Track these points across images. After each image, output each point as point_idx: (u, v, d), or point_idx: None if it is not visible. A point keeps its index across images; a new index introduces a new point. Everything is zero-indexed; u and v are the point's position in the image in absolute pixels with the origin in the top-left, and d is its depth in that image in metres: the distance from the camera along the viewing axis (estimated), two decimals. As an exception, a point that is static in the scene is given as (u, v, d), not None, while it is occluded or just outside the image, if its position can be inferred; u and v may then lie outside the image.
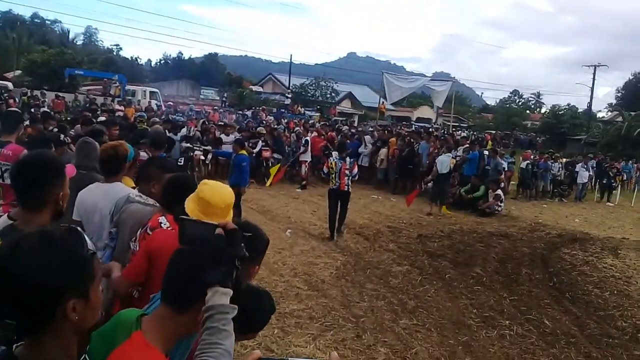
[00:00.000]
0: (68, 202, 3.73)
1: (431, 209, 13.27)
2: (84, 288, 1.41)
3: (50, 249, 1.37)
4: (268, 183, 14.34)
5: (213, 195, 2.60)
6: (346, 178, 9.89)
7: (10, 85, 28.31)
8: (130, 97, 30.22)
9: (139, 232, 3.19)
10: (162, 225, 3.06)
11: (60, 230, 1.47)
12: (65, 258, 1.37)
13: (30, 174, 2.34)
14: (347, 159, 10.21)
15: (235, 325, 1.91)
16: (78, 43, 61.87)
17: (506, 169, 16.11)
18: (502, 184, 14.72)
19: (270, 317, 2.38)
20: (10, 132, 4.92)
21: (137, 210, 3.48)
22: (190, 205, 2.65)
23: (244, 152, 10.40)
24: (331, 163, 10.06)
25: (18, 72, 37.32)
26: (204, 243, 1.63)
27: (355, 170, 10.36)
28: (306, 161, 16.26)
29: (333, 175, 9.98)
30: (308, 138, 16.95)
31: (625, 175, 22.70)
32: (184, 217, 1.71)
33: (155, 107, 28.30)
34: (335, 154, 10.36)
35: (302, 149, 16.53)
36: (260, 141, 16.10)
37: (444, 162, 13.35)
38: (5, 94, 24.84)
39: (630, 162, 25.20)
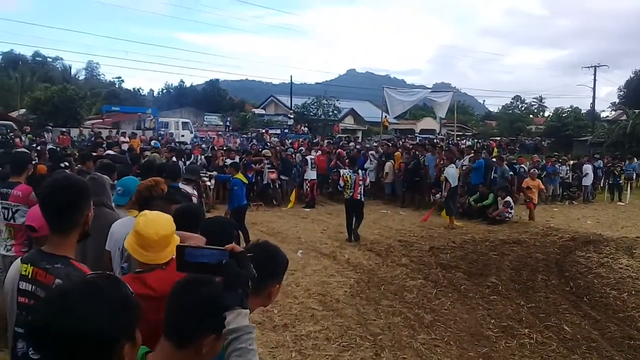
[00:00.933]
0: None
1: (451, 222, 13.15)
2: (134, 331, 1.45)
3: (102, 297, 1.38)
4: (290, 206, 15.41)
5: (146, 227, 2.59)
6: (360, 188, 11.12)
7: (14, 125, 28.64)
8: (164, 129, 32.42)
9: None
10: None
11: (102, 278, 1.49)
12: (117, 305, 1.40)
13: (62, 197, 2.36)
14: (360, 171, 11.69)
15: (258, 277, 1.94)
16: (80, 78, 62.46)
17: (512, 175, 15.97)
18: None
19: (287, 263, 2.32)
20: (19, 174, 4.97)
21: None
22: (128, 239, 2.65)
23: (239, 176, 10.55)
24: (346, 177, 11.27)
25: (22, 110, 37.72)
26: (210, 269, 1.63)
27: (368, 180, 12.20)
28: (307, 180, 16.41)
29: (348, 187, 11.17)
30: (308, 158, 17.02)
31: (634, 174, 22.48)
32: (183, 244, 1.68)
33: (191, 136, 31.38)
34: (345, 170, 11.88)
35: (305, 168, 16.69)
36: (265, 162, 16.20)
37: (454, 174, 13.29)
38: (11, 133, 25.11)
39: (636, 160, 24.97)
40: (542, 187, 15.30)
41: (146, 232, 2.57)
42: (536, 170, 16.55)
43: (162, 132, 31.53)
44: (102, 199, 4.26)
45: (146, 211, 2.75)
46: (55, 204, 2.37)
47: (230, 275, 1.60)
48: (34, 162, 6.86)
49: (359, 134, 47.74)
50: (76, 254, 4.03)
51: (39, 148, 15.70)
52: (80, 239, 2.48)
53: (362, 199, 11.34)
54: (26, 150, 10.31)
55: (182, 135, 31.47)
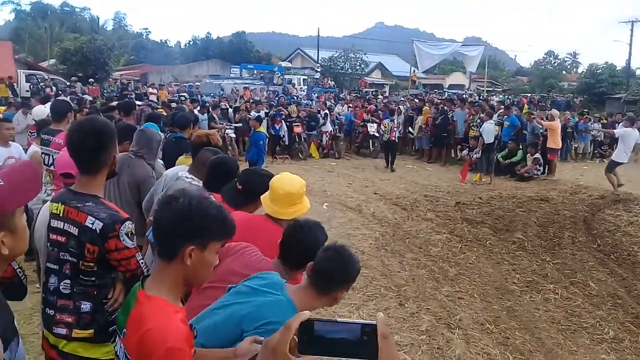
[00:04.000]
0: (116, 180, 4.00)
1: (490, 180, 13.10)
2: (204, 240, 1.71)
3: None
4: (316, 157, 16.40)
5: (277, 181, 2.86)
6: (394, 132, 14.73)
7: (45, 74, 28.98)
8: (288, 85, 35.73)
9: None
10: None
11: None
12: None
13: (89, 140, 2.44)
14: (395, 120, 15.02)
15: (294, 260, 2.36)
16: (108, 29, 62.50)
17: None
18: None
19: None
20: (59, 121, 5.09)
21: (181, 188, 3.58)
22: (265, 194, 2.89)
23: (261, 129, 10.52)
24: (385, 124, 14.83)
25: (52, 60, 38.06)
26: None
27: (400, 127, 15.87)
28: (327, 131, 16.81)
29: (386, 132, 14.61)
30: (322, 111, 17.27)
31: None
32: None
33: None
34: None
35: (322, 121, 16.89)
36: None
37: (490, 130, 13.10)
38: (42, 83, 25.45)
39: None
40: (557, 135, 14.42)
41: (274, 186, 2.82)
42: (556, 111, 15.96)
43: (287, 87, 34.02)
44: (141, 151, 4.37)
45: (286, 172, 3.00)
46: (83, 148, 2.45)
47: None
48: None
49: (386, 89, 47.07)
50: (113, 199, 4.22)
51: (69, 98, 15.91)
52: (108, 177, 2.61)
53: (396, 140, 15.04)
54: (66, 99, 10.45)
55: (302, 89, 35.12)
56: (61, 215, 2.46)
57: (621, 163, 11.69)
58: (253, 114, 14.98)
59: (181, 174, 3.73)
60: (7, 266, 1.63)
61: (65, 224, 2.44)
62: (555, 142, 13.96)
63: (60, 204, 2.48)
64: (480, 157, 13.25)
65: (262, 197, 2.90)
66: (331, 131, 16.97)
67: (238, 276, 2.40)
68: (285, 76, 39.24)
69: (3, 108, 15.13)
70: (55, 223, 2.48)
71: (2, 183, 1.47)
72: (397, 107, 17.65)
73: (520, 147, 14.26)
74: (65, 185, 3.22)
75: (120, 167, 4.30)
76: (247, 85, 34.12)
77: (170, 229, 1.71)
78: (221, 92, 28.74)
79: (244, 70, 41.90)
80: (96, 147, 2.45)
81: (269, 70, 41.63)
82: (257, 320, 1.98)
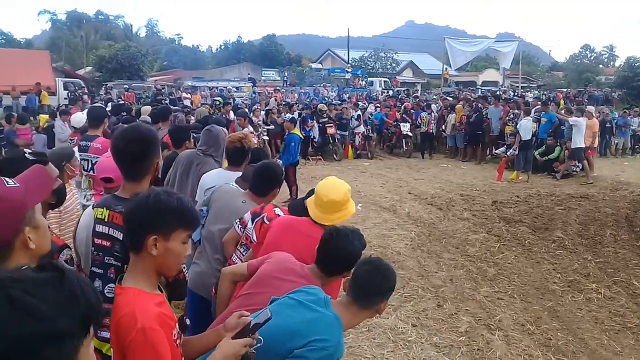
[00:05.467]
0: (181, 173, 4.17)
1: (528, 177, 12.87)
2: (165, 230, 1.79)
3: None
4: (350, 157, 16.36)
5: (321, 188, 2.84)
6: (431, 125, 16.54)
7: (81, 82, 29.71)
8: (370, 87, 37.99)
9: (248, 218, 3.26)
10: (280, 215, 3.16)
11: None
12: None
13: (135, 147, 2.49)
14: (432, 114, 16.62)
15: (330, 267, 2.37)
16: (141, 36, 63.69)
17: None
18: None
19: (362, 253, 2.49)
20: (96, 127, 5.19)
21: (228, 191, 3.63)
22: (310, 199, 2.90)
23: (295, 131, 10.52)
24: (423, 117, 16.44)
25: (88, 68, 38.97)
26: None
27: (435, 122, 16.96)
28: (360, 133, 16.84)
29: (424, 124, 16.34)
30: (354, 113, 17.29)
31: None
32: None
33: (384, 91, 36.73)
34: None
35: (355, 123, 16.90)
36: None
37: (527, 127, 12.85)
38: (79, 90, 26.09)
39: None
40: (596, 130, 13.91)
41: (319, 192, 2.83)
42: (592, 108, 15.59)
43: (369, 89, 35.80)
44: (209, 150, 4.51)
45: (331, 177, 3.00)
46: (127, 154, 2.50)
47: None
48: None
49: (418, 87, 46.70)
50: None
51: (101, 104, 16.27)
52: (151, 183, 2.66)
53: (433, 132, 16.65)
54: (101, 105, 10.68)
55: (384, 91, 36.91)
56: (106, 220, 2.51)
57: (584, 147, 12.91)
58: (287, 115, 15.05)
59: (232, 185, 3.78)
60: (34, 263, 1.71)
61: (110, 228, 2.49)
62: (583, 140, 13.08)
63: (105, 209, 2.53)
64: (518, 154, 13.00)
65: (307, 200, 2.92)
66: (364, 132, 16.97)
67: (275, 280, 2.43)
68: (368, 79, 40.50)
69: (46, 116, 15.58)
70: (100, 228, 2.53)
71: (18, 185, 1.61)
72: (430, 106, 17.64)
73: (558, 143, 13.95)
74: (106, 190, 3.29)
75: (189, 164, 4.43)
76: (278, 88, 34.30)
77: (132, 221, 1.83)
78: (253, 96, 29.02)
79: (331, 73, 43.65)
80: (140, 154, 2.50)
81: (353, 74, 43.15)
82: (306, 336, 2.02)
